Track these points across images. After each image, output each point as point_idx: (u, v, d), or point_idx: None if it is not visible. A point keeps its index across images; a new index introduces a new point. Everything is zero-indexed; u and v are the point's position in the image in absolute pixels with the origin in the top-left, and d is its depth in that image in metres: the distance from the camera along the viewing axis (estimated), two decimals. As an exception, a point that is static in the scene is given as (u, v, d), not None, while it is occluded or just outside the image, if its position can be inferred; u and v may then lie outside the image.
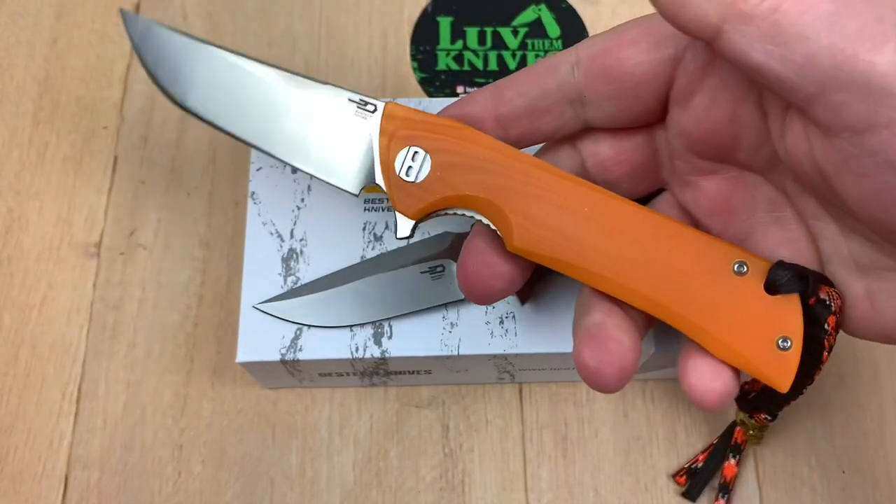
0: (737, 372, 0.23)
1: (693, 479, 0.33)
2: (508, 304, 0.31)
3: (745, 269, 0.23)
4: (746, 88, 0.22)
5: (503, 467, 0.34)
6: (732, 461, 0.33)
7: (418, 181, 0.25)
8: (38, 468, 0.34)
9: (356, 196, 0.26)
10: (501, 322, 0.31)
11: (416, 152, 0.25)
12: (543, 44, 0.43)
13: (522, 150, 0.25)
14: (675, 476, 0.34)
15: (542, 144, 0.28)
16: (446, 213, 0.26)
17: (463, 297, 0.31)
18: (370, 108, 0.26)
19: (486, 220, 0.25)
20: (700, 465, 0.33)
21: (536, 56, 0.43)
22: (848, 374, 0.36)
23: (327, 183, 0.26)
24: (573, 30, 0.43)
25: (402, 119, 0.25)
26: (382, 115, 0.25)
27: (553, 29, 0.43)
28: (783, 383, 0.23)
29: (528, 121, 0.25)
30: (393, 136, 0.25)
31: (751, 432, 0.32)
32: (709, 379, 0.23)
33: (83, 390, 0.36)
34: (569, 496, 0.34)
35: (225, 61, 0.26)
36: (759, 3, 0.18)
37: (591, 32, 0.43)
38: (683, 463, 0.34)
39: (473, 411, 0.35)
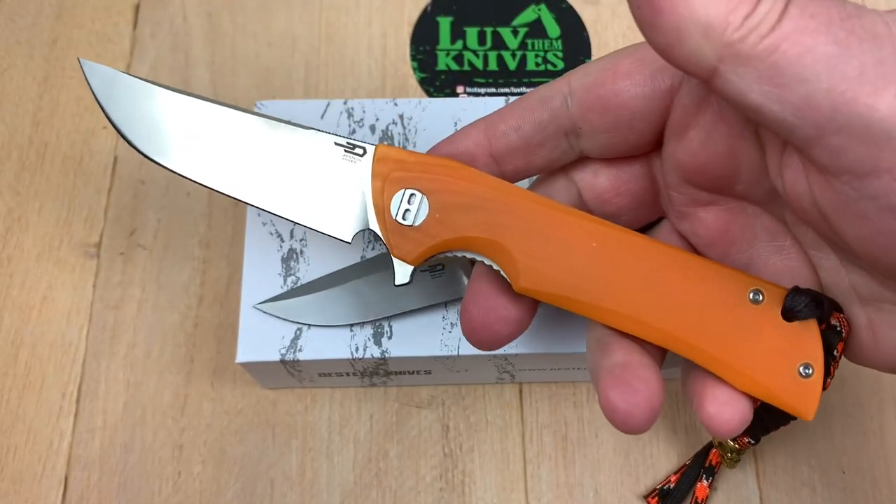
0: (751, 398, 0.23)
1: (665, 500, 0.33)
2: (508, 304, 0.31)
3: (761, 297, 0.23)
4: (743, 123, 0.22)
5: (503, 467, 0.34)
6: (705, 483, 0.32)
7: (416, 224, 0.24)
8: (38, 468, 0.34)
9: (349, 244, 0.25)
10: (501, 322, 0.31)
11: (412, 194, 0.24)
12: (543, 44, 0.43)
13: (517, 184, 0.25)
14: (647, 497, 0.34)
15: (535, 177, 0.27)
16: (446, 256, 0.25)
17: (462, 295, 0.31)
18: (359, 151, 0.25)
19: (488, 262, 0.24)
20: (672, 485, 0.33)
21: (536, 56, 0.43)
22: (848, 375, 0.36)
23: (317, 231, 0.25)
24: (573, 30, 0.43)
25: (395, 161, 0.24)
26: (374, 157, 0.24)
27: (553, 29, 0.43)
28: (807, 411, 0.23)
29: (522, 155, 0.25)
30: (387, 179, 0.24)
31: (728, 455, 0.31)
32: (729, 409, 0.22)
33: (83, 390, 0.36)
34: (569, 496, 0.34)
35: (197, 109, 0.25)
36: (757, 43, 0.17)
37: (591, 32, 0.43)
38: (684, 463, 0.34)
39: (473, 411, 0.35)
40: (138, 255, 0.38)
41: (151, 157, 0.25)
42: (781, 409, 0.23)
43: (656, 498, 0.33)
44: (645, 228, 0.26)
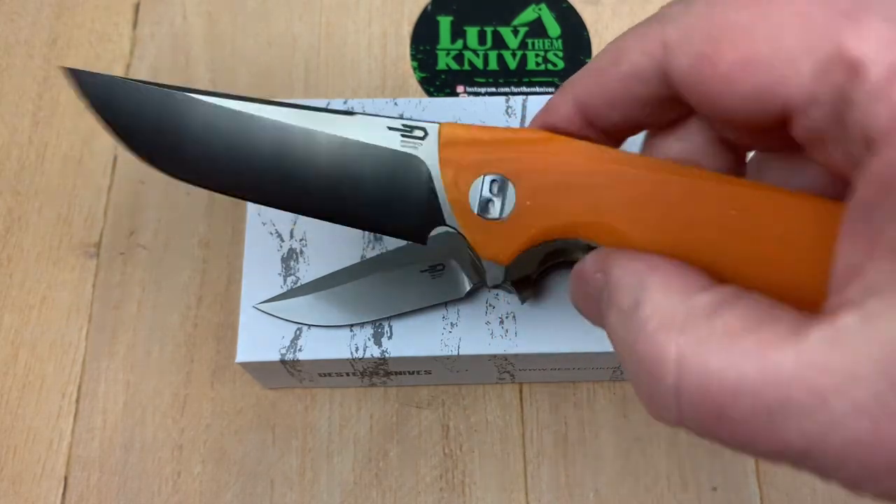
0: None
1: None
2: (509, 304, 0.31)
3: None
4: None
5: (503, 468, 0.34)
6: None
7: (504, 217, 0.20)
8: (37, 468, 0.34)
9: (425, 245, 0.21)
10: (501, 322, 0.31)
11: (493, 180, 0.19)
12: (544, 43, 0.43)
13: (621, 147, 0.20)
14: None
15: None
16: (546, 245, 0.20)
17: (462, 296, 0.31)
18: (418, 133, 0.20)
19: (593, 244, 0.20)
20: None
21: (537, 56, 0.43)
22: (848, 375, 0.36)
23: (390, 236, 0.21)
24: (574, 29, 0.43)
25: (466, 142, 0.20)
26: (439, 140, 0.20)
27: (553, 28, 0.43)
28: None
29: (620, 112, 0.19)
30: (459, 166, 0.20)
31: None
32: None
33: (83, 390, 0.36)
34: (569, 497, 0.34)
35: (218, 109, 0.21)
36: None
37: (591, 32, 0.43)
38: (684, 463, 0.34)
39: (473, 411, 0.35)
40: (138, 255, 0.38)
41: (165, 167, 0.21)
42: None
43: None
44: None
